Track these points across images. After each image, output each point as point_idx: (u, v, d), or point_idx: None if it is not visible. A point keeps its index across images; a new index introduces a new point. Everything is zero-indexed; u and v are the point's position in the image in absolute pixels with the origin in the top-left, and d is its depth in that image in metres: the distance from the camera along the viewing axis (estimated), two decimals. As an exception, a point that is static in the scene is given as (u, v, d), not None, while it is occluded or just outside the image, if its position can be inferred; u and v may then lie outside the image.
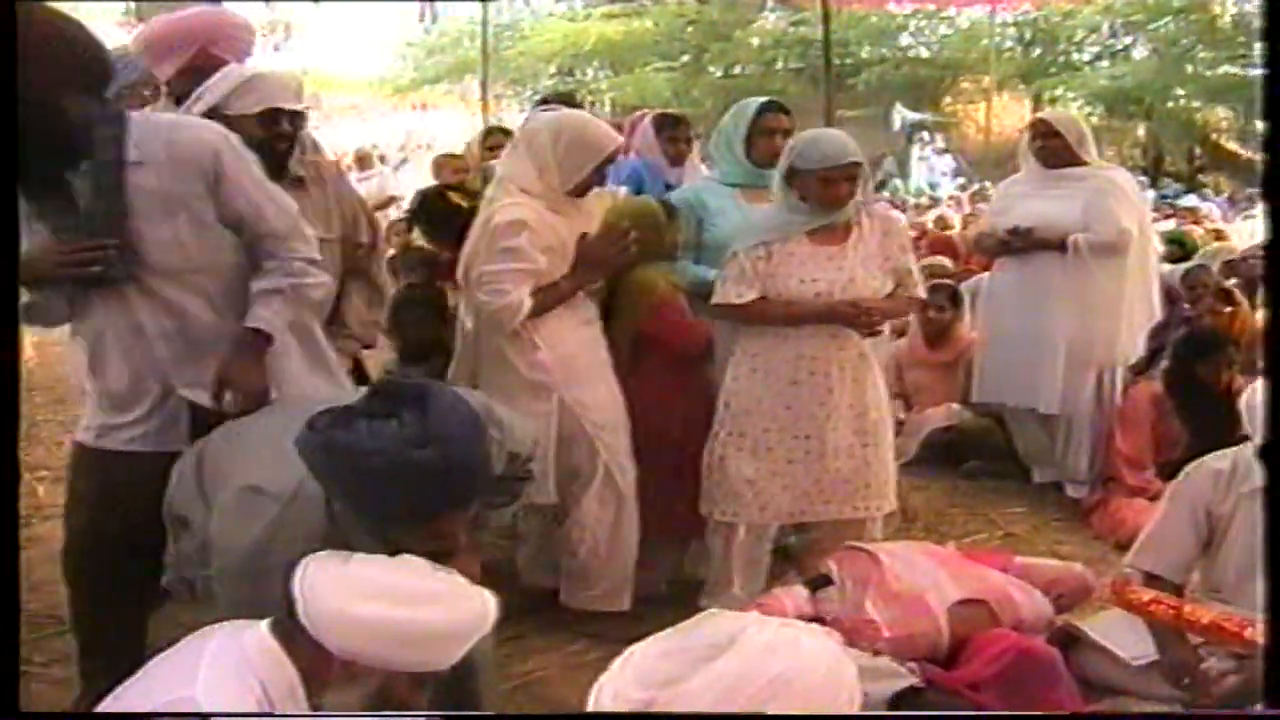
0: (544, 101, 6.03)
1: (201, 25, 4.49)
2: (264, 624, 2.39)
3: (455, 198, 5.90)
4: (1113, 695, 4.01)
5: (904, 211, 19.03)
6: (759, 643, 1.80)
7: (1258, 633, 3.62)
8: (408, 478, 2.55)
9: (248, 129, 3.79)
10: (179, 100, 4.19)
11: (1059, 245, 5.96)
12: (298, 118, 4.17)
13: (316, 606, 2.29)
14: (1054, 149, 6.11)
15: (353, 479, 2.60)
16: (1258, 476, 3.91)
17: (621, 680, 1.76)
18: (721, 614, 1.89)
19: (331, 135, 23.83)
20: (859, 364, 4.54)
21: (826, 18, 10.87)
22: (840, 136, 4.49)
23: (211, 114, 3.86)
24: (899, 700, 3.47)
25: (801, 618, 3.50)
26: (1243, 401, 3.92)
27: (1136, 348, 6.21)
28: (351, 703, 2.36)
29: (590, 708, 1.79)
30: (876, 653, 3.70)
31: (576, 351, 4.46)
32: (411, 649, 2.30)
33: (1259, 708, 3.32)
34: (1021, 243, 6.04)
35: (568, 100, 5.83)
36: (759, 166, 4.88)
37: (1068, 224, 5.96)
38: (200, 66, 4.24)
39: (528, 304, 4.29)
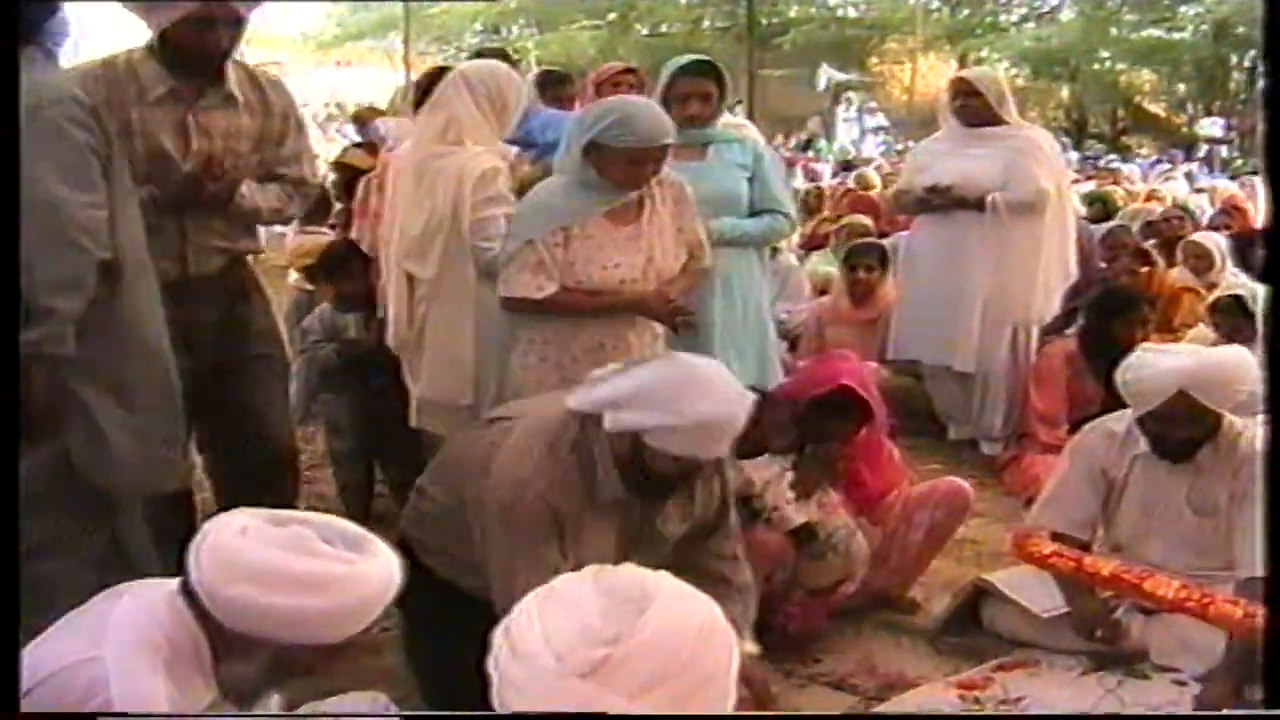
0: (478, 56, 5.93)
1: None
2: (175, 583, 2.35)
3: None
4: (1023, 647, 4.06)
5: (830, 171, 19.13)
6: (670, 590, 1.79)
7: (1156, 583, 3.69)
8: None
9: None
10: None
11: (977, 204, 5.95)
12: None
13: (202, 579, 2.27)
14: (974, 108, 6.10)
15: None
16: (1145, 442, 4.02)
17: (564, 641, 1.71)
18: (607, 569, 1.86)
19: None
20: (656, 346, 4.14)
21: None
22: (655, 112, 4.05)
23: None
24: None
25: None
26: (1121, 380, 3.98)
27: (1052, 307, 6.23)
28: (248, 671, 2.34)
29: (519, 667, 1.73)
30: None
31: None
32: (295, 630, 2.27)
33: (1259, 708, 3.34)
34: (940, 200, 6.03)
35: (500, 56, 5.71)
36: (683, 128, 4.60)
37: (987, 182, 5.96)
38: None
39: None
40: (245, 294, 4.18)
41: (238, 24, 3.84)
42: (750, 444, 3.82)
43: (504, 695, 1.73)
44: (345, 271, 5.38)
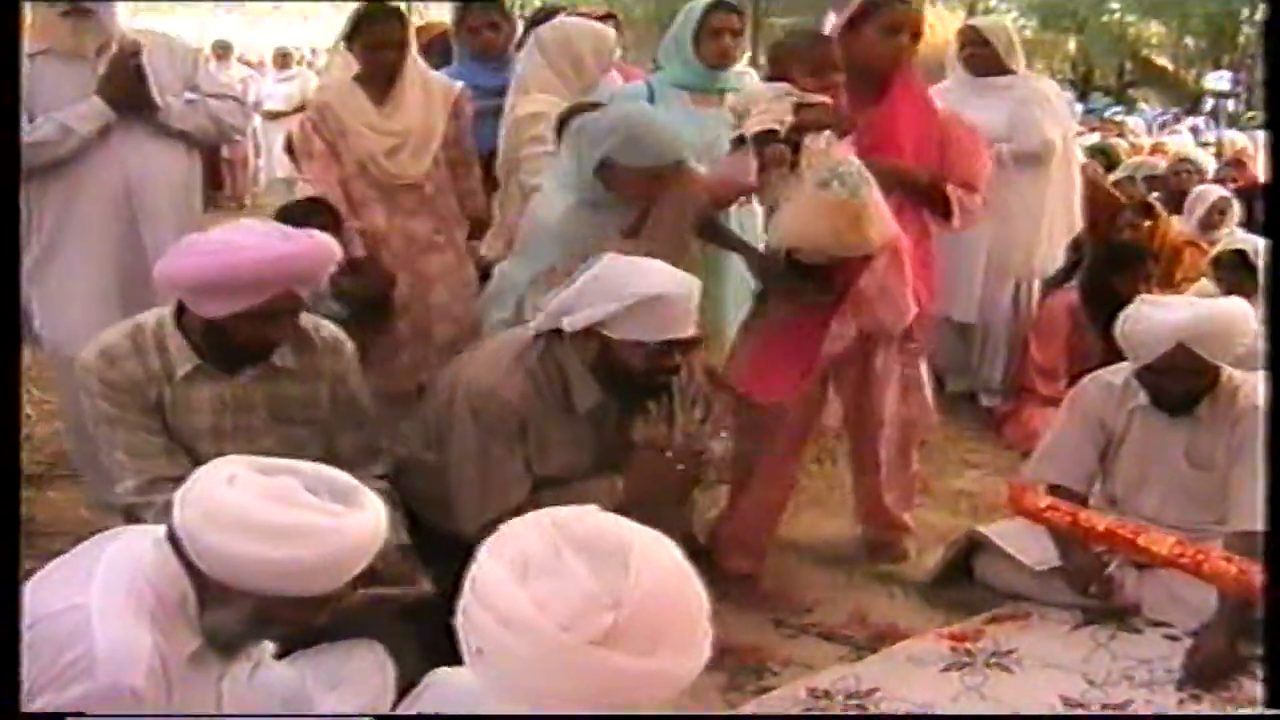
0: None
1: None
2: (163, 530, 2.33)
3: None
4: (1016, 600, 4.07)
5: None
6: (637, 533, 1.80)
7: (1150, 539, 3.68)
8: None
9: None
10: None
11: (981, 154, 5.88)
12: None
13: (185, 526, 2.23)
14: (982, 57, 6.05)
15: None
16: (1144, 395, 4.01)
17: (565, 610, 1.70)
18: (562, 517, 1.83)
19: (252, 35, 23.50)
20: None
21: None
22: (669, 131, 3.96)
23: None
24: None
25: None
26: (1121, 332, 3.96)
27: (1055, 260, 6.19)
28: (229, 621, 2.31)
29: (516, 639, 1.70)
30: None
31: None
32: (277, 582, 2.22)
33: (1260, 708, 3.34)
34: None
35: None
36: (710, 68, 4.75)
37: (992, 132, 5.74)
38: None
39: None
40: None
41: (296, 311, 3.27)
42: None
43: (500, 665, 1.73)
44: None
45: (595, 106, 4.28)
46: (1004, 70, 6.04)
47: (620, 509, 2.81)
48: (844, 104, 4.13)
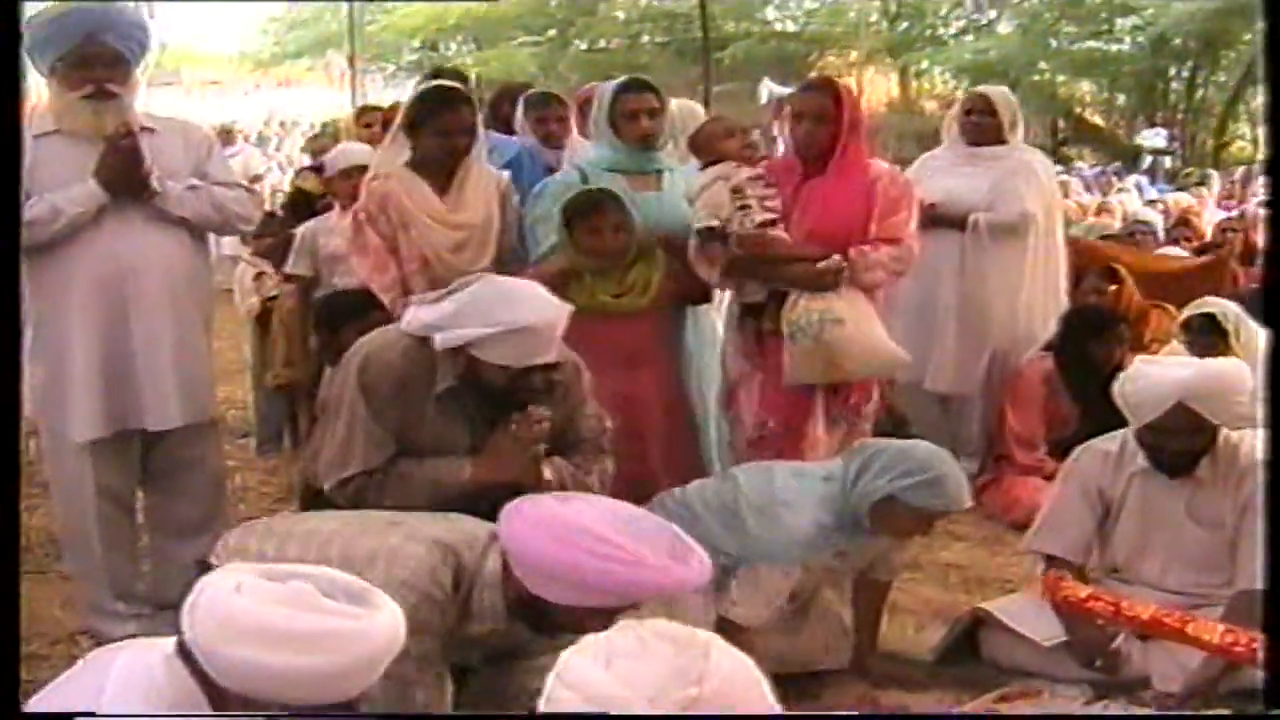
0: (435, 75, 5.78)
1: None
2: (171, 643, 2.25)
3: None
4: (1024, 678, 4.02)
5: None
6: (714, 638, 1.85)
7: (1200, 628, 3.64)
8: None
9: None
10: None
11: (960, 223, 5.87)
12: None
13: (197, 639, 2.15)
14: (986, 127, 6.03)
15: None
16: (1143, 458, 4.00)
17: (651, 685, 1.75)
18: (648, 624, 1.87)
19: (192, 111, 23.38)
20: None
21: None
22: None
23: None
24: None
25: None
26: (1120, 392, 3.96)
27: (1036, 335, 6.05)
28: None
29: (589, 704, 1.76)
30: None
31: None
32: (299, 690, 2.15)
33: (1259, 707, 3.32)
34: (922, 217, 5.93)
35: (457, 76, 5.62)
36: (634, 149, 4.70)
37: (973, 202, 5.88)
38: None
39: None
40: None
41: None
42: None
43: None
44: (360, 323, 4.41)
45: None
46: (1000, 141, 6.03)
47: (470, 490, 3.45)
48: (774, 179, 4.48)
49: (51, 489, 4.46)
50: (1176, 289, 6.86)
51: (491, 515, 3.10)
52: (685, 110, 5.60)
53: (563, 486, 3.56)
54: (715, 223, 4.43)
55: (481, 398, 3.56)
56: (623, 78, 4.88)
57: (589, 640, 1.85)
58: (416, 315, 3.58)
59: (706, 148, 4.75)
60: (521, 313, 3.42)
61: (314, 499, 3.93)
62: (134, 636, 3.95)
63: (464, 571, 3.05)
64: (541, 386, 3.54)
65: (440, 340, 3.47)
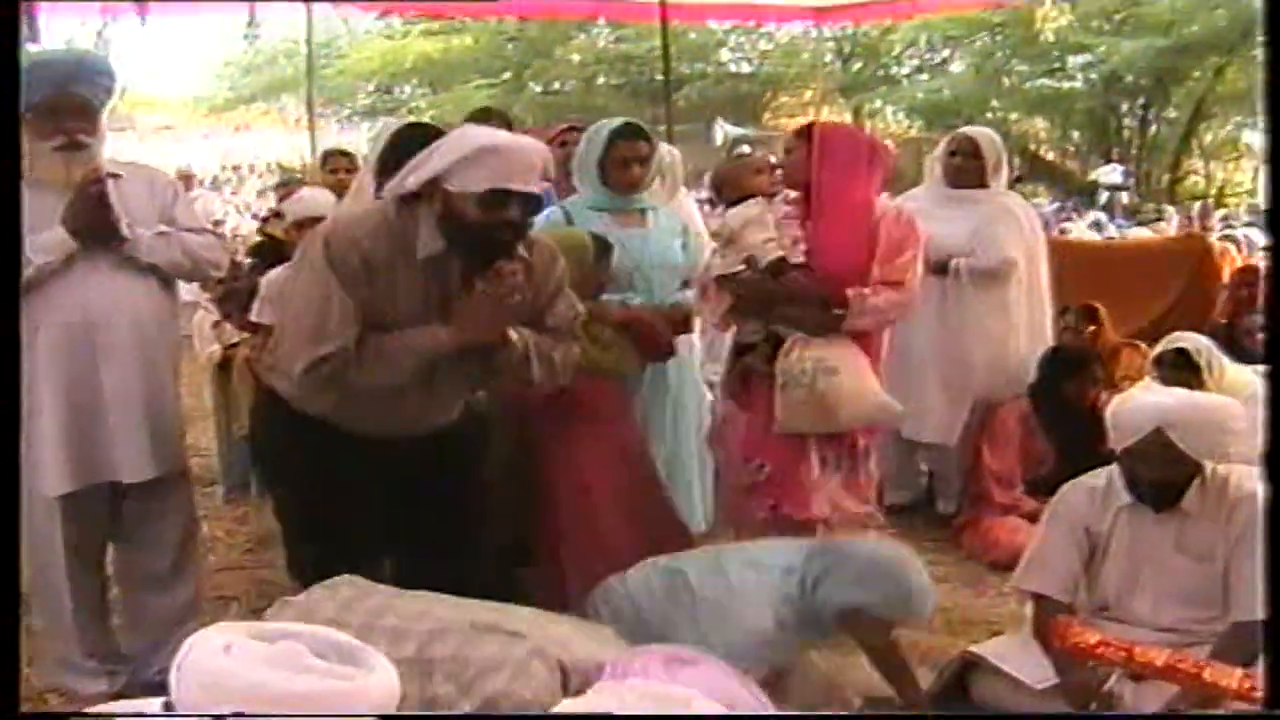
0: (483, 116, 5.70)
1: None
2: (159, 704, 2.17)
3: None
4: (1017, 720, 3.97)
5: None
6: None
7: (1217, 673, 3.57)
8: None
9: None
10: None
11: (940, 269, 5.77)
12: None
13: (187, 703, 2.08)
14: (970, 170, 5.99)
15: None
16: (1127, 494, 3.98)
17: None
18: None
19: (146, 156, 23.23)
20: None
21: (665, 35, 10.53)
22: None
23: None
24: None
25: None
26: (1108, 413, 3.97)
27: (1020, 382, 5.98)
28: None
29: None
30: None
31: None
32: None
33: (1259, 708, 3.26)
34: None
35: (501, 118, 5.57)
36: (619, 194, 4.69)
37: (953, 247, 5.80)
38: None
39: None
40: None
41: None
42: None
43: None
44: None
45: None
46: (983, 185, 5.99)
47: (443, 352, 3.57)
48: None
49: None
50: (1163, 266, 6.87)
51: (474, 381, 3.76)
52: (662, 151, 5.56)
53: (526, 353, 3.66)
54: (742, 267, 4.44)
55: (464, 256, 3.56)
56: (616, 122, 4.85)
57: (567, 702, 1.91)
58: (391, 183, 3.66)
59: (734, 185, 4.73)
60: (492, 137, 3.57)
61: (270, 413, 3.92)
62: (104, 693, 3.93)
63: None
64: (518, 217, 3.55)
65: (414, 180, 3.53)
